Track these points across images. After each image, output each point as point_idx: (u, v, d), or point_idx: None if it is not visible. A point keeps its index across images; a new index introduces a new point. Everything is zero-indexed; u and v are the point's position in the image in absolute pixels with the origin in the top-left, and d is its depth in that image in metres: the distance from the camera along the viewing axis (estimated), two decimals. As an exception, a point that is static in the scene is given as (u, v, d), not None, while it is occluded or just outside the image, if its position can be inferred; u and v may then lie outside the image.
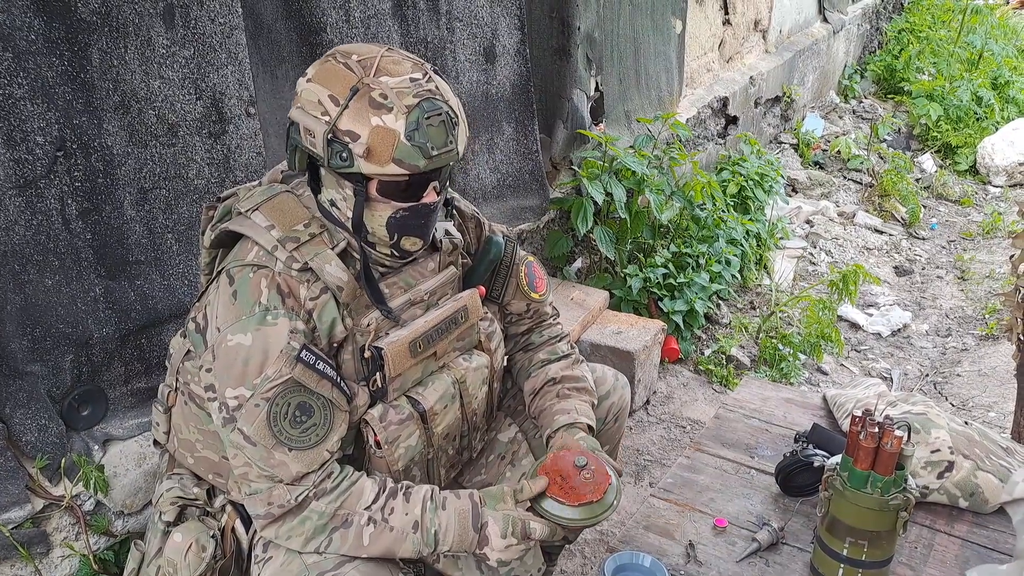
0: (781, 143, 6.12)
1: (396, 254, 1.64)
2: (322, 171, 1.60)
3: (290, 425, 1.49)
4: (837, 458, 1.66)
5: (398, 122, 1.47)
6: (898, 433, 1.51)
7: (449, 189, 1.80)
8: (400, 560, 1.63)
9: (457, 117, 1.54)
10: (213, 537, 1.69)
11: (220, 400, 1.52)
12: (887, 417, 1.60)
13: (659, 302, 3.77)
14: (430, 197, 1.59)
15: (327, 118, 1.48)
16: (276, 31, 2.54)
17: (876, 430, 1.53)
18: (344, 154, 1.49)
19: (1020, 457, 2.03)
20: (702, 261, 4.00)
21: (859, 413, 1.58)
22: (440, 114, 1.50)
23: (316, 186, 1.63)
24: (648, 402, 3.49)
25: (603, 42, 3.96)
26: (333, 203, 1.60)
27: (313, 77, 1.52)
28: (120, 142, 2.04)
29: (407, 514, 1.55)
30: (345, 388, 1.57)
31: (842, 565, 1.59)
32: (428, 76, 1.53)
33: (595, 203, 3.56)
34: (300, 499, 1.51)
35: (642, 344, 3.31)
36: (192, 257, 2.24)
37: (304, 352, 1.51)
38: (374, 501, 1.55)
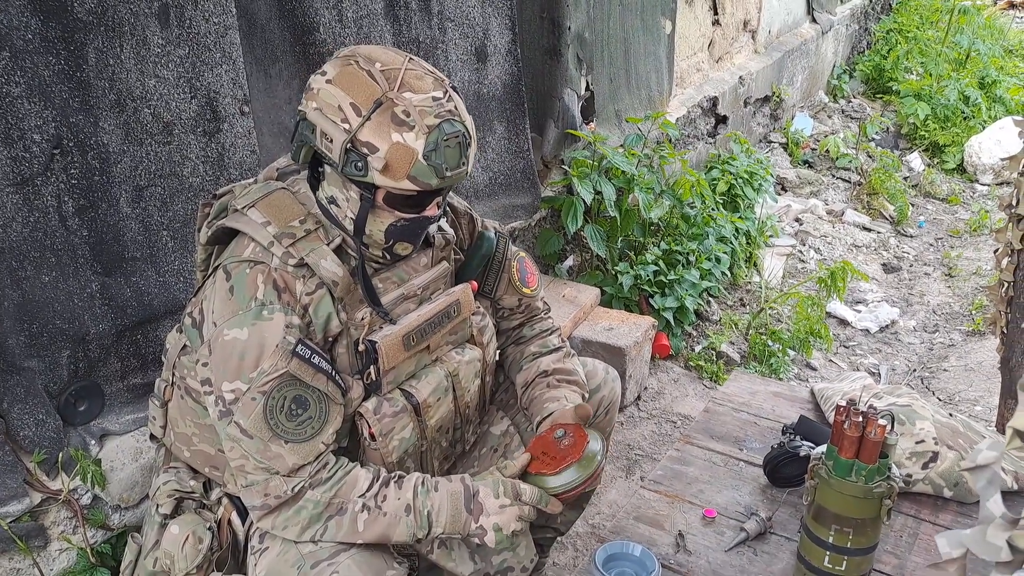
0: (770, 142, 6.16)
1: (388, 257, 1.67)
2: (327, 168, 1.62)
3: (286, 418, 1.52)
4: (823, 448, 1.69)
5: (418, 141, 1.49)
6: (881, 422, 1.54)
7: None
8: (395, 551, 1.65)
9: (471, 138, 1.58)
10: (209, 529, 1.71)
11: (216, 394, 1.54)
12: (871, 407, 1.63)
13: (650, 299, 3.80)
14: (432, 211, 1.63)
15: (347, 126, 1.50)
16: (270, 30, 2.56)
17: (860, 419, 1.55)
18: (360, 164, 1.51)
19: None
20: (692, 258, 4.04)
21: (844, 403, 1.61)
22: (458, 136, 1.53)
23: (315, 181, 1.66)
24: (639, 398, 3.52)
25: (593, 42, 3.99)
26: (333, 200, 1.63)
27: (334, 79, 1.53)
28: (116, 140, 2.06)
29: (399, 499, 1.58)
30: (340, 381, 1.60)
31: (828, 552, 1.61)
32: (448, 95, 1.56)
33: (585, 202, 3.59)
34: (296, 490, 1.53)
35: (633, 340, 3.34)
36: (187, 254, 2.26)
37: (299, 346, 1.53)
38: (368, 489, 1.57)
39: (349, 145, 1.50)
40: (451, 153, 1.53)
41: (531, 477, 1.68)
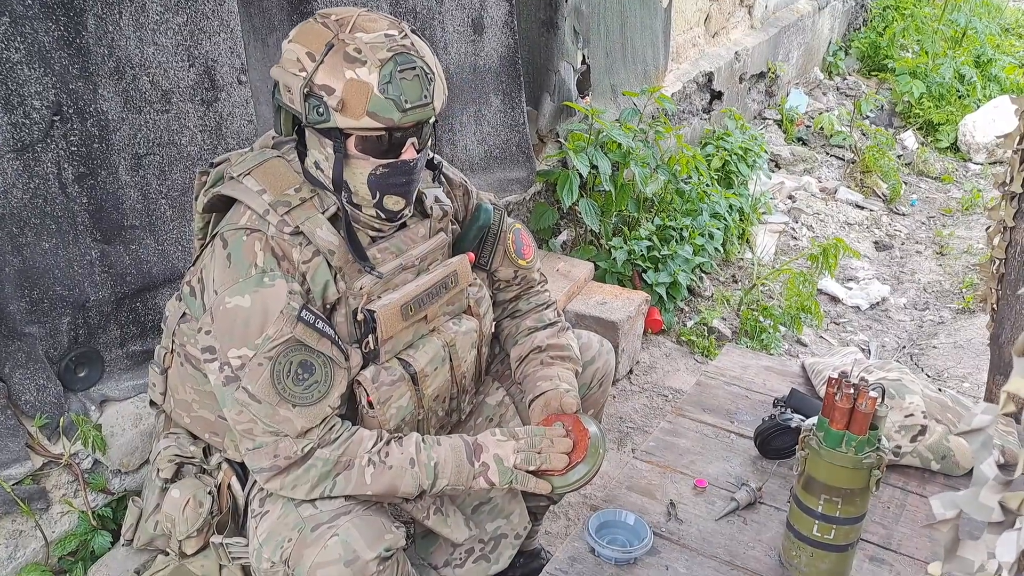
0: (765, 119, 6.17)
1: (381, 215, 1.66)
2: (307, 133, 1.63)
3: (293, 382, 1.53)
4: (814, 419, 1.71)
5: (371, 75, 1.50)
6: (872, 394, 1.57)
7: (438, 156, 1.84)
8: (393, 516, 1.68)
9: (433, 73, 1.57)
10: (210, 493, 1.74)
11: (222, 360, 1.56)
12: (862, 380, 1.65)
13: (643, 274, 3.82)
14: (409, 154, 1.62)
15: (304, 74, 1.51)
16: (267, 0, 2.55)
17: (851, 391, 1.58)
18: (320, 108, 1.52)
19: (990, 422, 2.09)
20: (686, 234, 4.06)
21: (836, 376, 1.63)
22: (414, 68, 1.53)
23: (303, 151, 1.67)
24: (631, 371, 3.55)
25: (590, 15, 3.98)
26: (317, 165, 1.63)
27: (293, 37, 1.56)
28: (115, 108, 2.06)
29: (403, 454, 1.61)
30: (343, 347, 1.62)
31: (817, 521, 1.64)
32: (404, 34, 1.56)
33: (580, 176, 3.59)
34: (306, 451, 1.55)
35: (626, 315, 3.36)
36: (185, 223, 2.27)
37: (304, 311, 1.55)
38: (373, 446, 1.61)
39: (307, 90, 1.52)
40: (409, 86, 1.52)
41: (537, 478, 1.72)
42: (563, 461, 1.70)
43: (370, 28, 1.53)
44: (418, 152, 1.63)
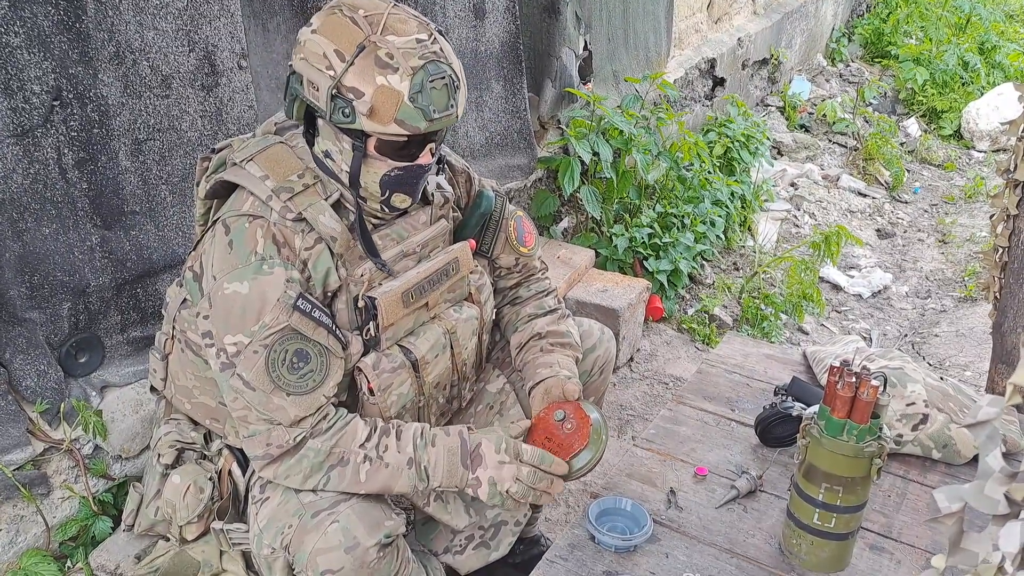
0: (767, 105, 6.14)
1: (386, 210, 1.67)
2: (320, 122, 1.62)
3: (288, 371, 1.53)
4: (815, 408, 1.71)
5: (403, 83, 1.49)
6: (874, 383, 1.56)
7: (443, 145, 1.83)
8: (392, 503, 1.68)
9: (459, 80, 1.57)
10: (210, 479, 1.75)
11: (218, 346, 1.56)
12: (864, 368, 1.65)
13: (644, 261, 3.81)
14: (426, 158, 1.62)
15: (332, 73, 1.50)
16: (268, -16, 2.54)
17: (853, 380, 1.58)
18: (347, 110, 1.51)
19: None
20: (687, 221, 4.05)
21: (838, 364, 1.63)
22: (444, 77, 1.52)
23: (311, 136, 1.66)
24: (632, 359, 3.55)
25: (592, 0, 3.96)
26: (328, 155, 1.63)
27: (319, 29, 1.54)
28: (115, 93, 2.06)
29: (400, 452, 1.60)
30: (340, 335, 1.61)
31: (817, 510, 1.64)
32: (433, 37, 1.55)
33: (582, 162, 3.58)
34: (298, 440, 1.55)
35: (627, 302, 3.36)
36: (185, 209, 2.27)
37: (300, 300, 1.54)
38: (367, 439, 1.59)
39: (335, 91, 1.51)
40: (438, 95, 1.52)
41: None
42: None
43: (401, 30, 1.52)
44: (433, 156, 1.64)
